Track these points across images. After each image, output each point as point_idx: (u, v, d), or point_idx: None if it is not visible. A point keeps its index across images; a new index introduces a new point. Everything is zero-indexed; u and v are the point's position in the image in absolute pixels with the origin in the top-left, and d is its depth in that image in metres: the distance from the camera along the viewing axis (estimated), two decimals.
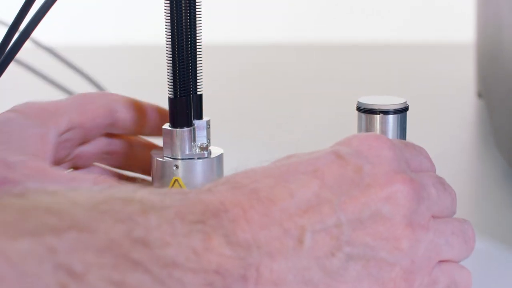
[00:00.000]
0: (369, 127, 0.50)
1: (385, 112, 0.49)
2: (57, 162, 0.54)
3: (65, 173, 0.52)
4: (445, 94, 0.98)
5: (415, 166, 0.44)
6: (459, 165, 0.72)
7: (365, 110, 0.50)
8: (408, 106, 0.50)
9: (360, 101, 0.50)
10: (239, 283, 0.37)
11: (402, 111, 0.50)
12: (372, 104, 0.50)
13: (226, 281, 0.36)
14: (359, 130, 0.50)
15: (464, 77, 1.01)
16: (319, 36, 1.40)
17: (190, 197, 0.38)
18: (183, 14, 0.51)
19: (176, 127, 0.52)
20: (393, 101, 0.50)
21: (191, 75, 0.52)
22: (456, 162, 0.72)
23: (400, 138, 0.50)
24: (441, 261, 0.43)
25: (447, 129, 0.83)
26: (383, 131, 0.49)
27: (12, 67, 0.52)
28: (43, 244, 0.31)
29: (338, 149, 0.42)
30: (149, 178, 0.55)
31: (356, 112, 0.51)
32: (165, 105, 0.53)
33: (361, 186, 0.40)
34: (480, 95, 0.90)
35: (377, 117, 0.50)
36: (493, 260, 0.53)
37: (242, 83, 1.06)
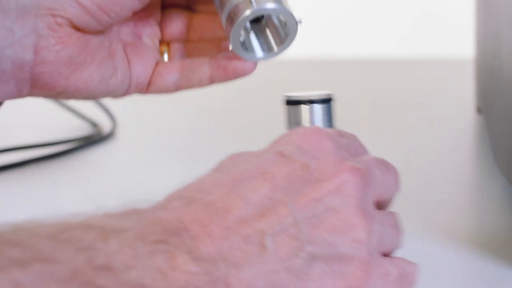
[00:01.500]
0: (297, 119, 0.51)
1: (312, 102, 0.51)
2: None
3: None
4: (444, 109, 0.98)
5: (353, 153, 0.45)
6: (458, 180, 0.72)
7: (293, 102, 0.52)
8: (333, 97, 0.52)
9: (287, 95, 0.52)
10: None
11: (327, 101, 0.52)
12: (299, 96, 0.52)
13: None
14: (288, 123, 0.52)
15: (464, 92, 1.00)
16: (317, 51, 1.40)
17: (148, 216, 0.38)
18: None
19: None
20: (318, 93, 0.52)
21: None
22: (455, 178, 0.72)
23: (328, 127, 0.52)
24: (385, 254, 0.44)
25: (446, 144, 0.83)
26: (311, 121, 0.51)
27: None
28: (8, 278, 0.31)
29: (281, 149, 0.42)
30: None
31: (284, 106, 0.53)
32: None
33: (311, 182, 0.41)
34: (479, 110, 0.89)
35: (306, 107, 0.51)
36: (493, 276, 0.52)
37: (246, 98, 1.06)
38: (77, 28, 0.54)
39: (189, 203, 0.39)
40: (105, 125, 0.88)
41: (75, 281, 0.32)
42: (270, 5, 0.53)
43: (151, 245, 0.36)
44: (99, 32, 0.56)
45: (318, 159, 0.42)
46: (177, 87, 0.60)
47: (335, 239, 0.40)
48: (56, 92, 0.55)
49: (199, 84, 0.59)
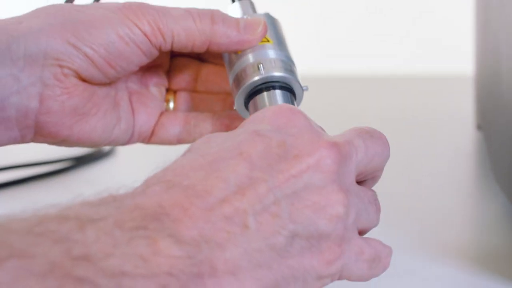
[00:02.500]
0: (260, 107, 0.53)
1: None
2: None
3: None
4: (444, 126, 0.98)
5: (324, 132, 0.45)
6: (458, 197, 0.72)
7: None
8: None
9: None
10: (194, 281, 0.36)
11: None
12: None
13: (181, 282, 0.36)
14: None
15: (463, 109, 1.01)
16: (317, 68, 1.40)
17: (126, 203, 0.37)
18: None
19: None
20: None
21: None
22: (455, 194, 0.72)
23: None
24: (362, 231, 0.44)
25: (446, 160, 0.83)
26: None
27: None
28: None
29: (256, 128, 0.42)
30: None
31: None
32: None
33: (289, 159, 0.41)
34: (479, 127, 0.90)
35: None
36: None
37: None
38: (84, 80, 0.54)
39: (168, 188, 0.39)
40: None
41: (53, 274, 0.32)
42: (278, 73, 0.54)
43: (130, 232, 0.35)
44: (106, 84, 0.56)
45: (294, 136, 0.42)
46: (179, 140, 0.60)
47: (314, 216, 0.41)
48: (59, 140, 0.56)
49: None
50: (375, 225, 0.46)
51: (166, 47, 0.54)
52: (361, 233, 0.45)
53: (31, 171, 0.78)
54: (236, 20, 0.55)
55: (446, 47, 1.48)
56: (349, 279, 0.44)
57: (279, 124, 0.43)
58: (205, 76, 0.61)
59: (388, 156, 0.47)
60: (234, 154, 0.41)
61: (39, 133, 0.55)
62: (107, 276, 0.33)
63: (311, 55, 1.45)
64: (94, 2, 0.60)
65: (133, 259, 0.34)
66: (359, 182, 0.47)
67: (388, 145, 0.47)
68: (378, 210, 0.46)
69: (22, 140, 0.55)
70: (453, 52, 1.40)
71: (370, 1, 1.52)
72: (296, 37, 1.41)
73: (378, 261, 0.45)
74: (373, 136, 0.46)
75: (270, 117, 0.44)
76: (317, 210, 0.41)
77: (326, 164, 0.41)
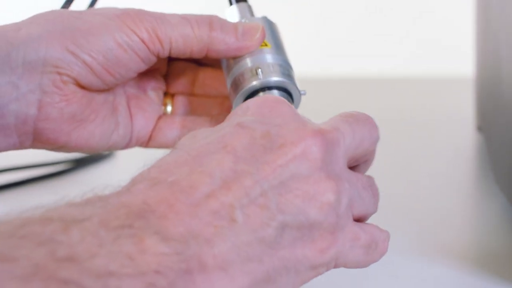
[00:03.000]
0: None
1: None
2: None
3: None
4: (444, 127, 0.98)
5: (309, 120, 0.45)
6: (458, 198, 0.72)
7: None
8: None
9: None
10: (183, 278, 0.36)
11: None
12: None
13: (169, 279, 0.35)
14: None
15: (464, 110, 1.01)
16: (317, 68, 1.41)
17: (111, 202, 0.37)
18: None
19: None
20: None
21: None
22: (455, 196, 0.72)
23: None
24: (356, 219, 0.44)
25: (446, 162, 0.83)
26: None
27: None
28: None
29: (240, 120, 0.42)
30: None
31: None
32: None
33: (274, 149, 0.41)
34: (479, 128, 0.89)
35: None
36: None
37: None
38: (82, 87, 0.54)
39: (153, 185, 0.38)
40: None
41: (36, 277, 0.31)
42: (276, 78, 0.54)
43: (116, 231, 0.35)
44: (104, 90, 0.56)
45: (279, 126, 0.42)
46: None
47: (304, 205, 0.40)
48: (58, 147, 0.56)
49: None
50: (373, 211, 0.46)
51: (164, 54, 0.54)
52: (359, 220, 0.45)
53: (30, 173, 0.78)
54: (234, 26, 0.55)
55: (446, 47, 1.48)
56: (345, 266, 0.43)
57: (263, 114, 0.43)
58: (203, 79, 0.61)
59: (377, 138, 0.47)
60: (218, 147, 0.41)
61: (37, 139, 0.55)
62: (93, 276, 0.33)
63: (311, 56, 1.45)
64: (89, 7, 0.59)
65: (119, 258, 0.34)
66: (352, 168, 0.47)
67: (376, 127, 0.47)
68: (375, 195, 0.46)
69: (21, 146, 0.55)
70: (453, 53, 1.40)
71: (370, 1, 1.52)
72: (296, 37, 1.41)
73: (375, 247, 0.44)
74: (359, 119, 0.45)
75: (253, 108, 0.44)
76: (306, 199, 0.41)
77: (312, 152, 0.41)
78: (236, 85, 0.55)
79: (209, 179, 0.39)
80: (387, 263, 0.55)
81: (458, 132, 0.95)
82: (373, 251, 0.44)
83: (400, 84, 1.30)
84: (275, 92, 0.54)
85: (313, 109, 1.06)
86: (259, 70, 0.54)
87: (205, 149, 0.41)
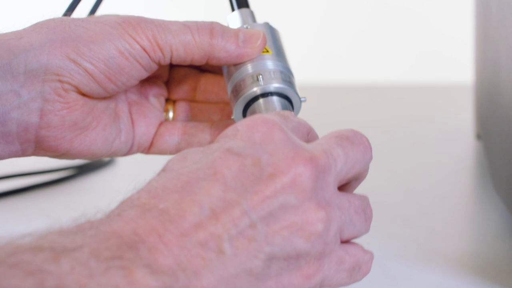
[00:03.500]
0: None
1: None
2: None
3: None
4: (444, 135, 0.98)
5: (304, 134, 0.45)
6: (457, 206, 0.72)
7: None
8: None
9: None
10: None
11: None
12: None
13: None
14: None
15: (463, 118, 1.01)
16: (320, 77, 1.41)
17: (103, 230, 0.37)
18: None
19: None
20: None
21: None
22: (454, 204, 0.72)
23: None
24: (343, 242, 0.44)
25: (446, 169, 0.83)
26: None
27: None
28: None
29: (231, 145, 0.42)
30: None
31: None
32: None
33: (264, 179, 0.40)
34: (479, 136, 0.90)
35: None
36: None
37: None
38: (84, 94, 0.54)
39: (143, 212, 0.38)
40: None
41: None
42: (276, 84, 0.54)
43: (106, 262, 0.35)
44: (106, 97, 0.57)
45: (269, 153, 0.41)
46: (178, 150, 0.60)
47: (292, 236, 0.40)
48: (60, 154, 0.56)
49: None
50: (364, 233, 0.46)
51: (165, 61, 0.55)
52: (347, 240, 0.45)
53: (32, 180, 0.78)
54: (235, 33, 0.55)
55: (446, 57, 1.49)
56: (329, 287, 0.44)
57: (254, 139, 0.42)
58: (204, 86, 0.61)
59: (370, 159, 0.46)
60: (208, 174, 0.40)
61: (39, 147, 0.55)
62: None
63: (314, 65, 1.45)
64: (90, 14, 0.60)
65: None
66: (343, 186, 0.46)
67: (370, 148, 0.46)
68: (368, 219, 0.46)
69: (23, 153, 0.55)
70: (452, 62, 1.40)
71: (373, 13, 1.52)
72: (300, 47, 1.41)
73: (358, 269, 0.45)
74: (353, 142, 0.45)
75: (244, 132, 0.43)
76: (294, 230, 0.40)
77: (302, 182, 0.41)
78: (237, 91, 0.55)
79: (197, 208, 0.39)
80: (386, 270, 0.56)
81: (457, 140, 0.95)
82: (356, 273, 0.45)
83: (400, 92, 1.30)
84: (275, 98, 0.54)
85: (315, 116, 1.07)
86: (260, 76, 0.54)
87: (195, 175, 0.40)
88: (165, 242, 0.37)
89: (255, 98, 0.54)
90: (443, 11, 1.50)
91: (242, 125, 0.43)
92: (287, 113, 0.47)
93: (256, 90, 0.54)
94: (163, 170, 0.43)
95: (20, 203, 0.74)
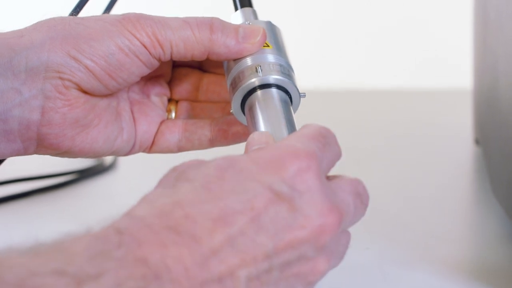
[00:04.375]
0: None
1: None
2: None
3: None
4: (442, 140, 0.98)
5: (333, 164, 0.46)
6: (456, 212, 0.72)
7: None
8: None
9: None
10: None
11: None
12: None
13: None
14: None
15: (462, 123, 1.01)
16: (321, 82, 1.41)
17: (131, 252, 0.37)
18: None
19: None
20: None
21: None
22: (453, 209, 0.72)
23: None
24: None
25: (444, 175, 0.83)
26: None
27: None
28: None
29: (272, 183, 0.41)
30: None
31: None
32: None
33: (294, 227, 0.41)
34: (477, 142, 0.90)
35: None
36: None
37: None
38: (85, 92, 0.55)
39: (176, 234, 0.38)
40: (107, 157, 0.88)
41: None
42: (275, 76, 0.54)
43: None
44: (107, 95, 0.57)
45: (305, 203, 0.41)
46: (180, 148, 0.60)
47: (295, 281, 0.41)
48: (61, 152, 0.56)
49: (200, 146, 0.59)
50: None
51: (166, 57, 0.55)
52: None
53: (34, 184, 0.78)
54: (235, 28, 0.55)
55: (445, 62, 1.49)
56: None
57: (294, 182, 0.42)
58: (206, 85, 0.61)
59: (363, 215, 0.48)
60: (245, 208, 0.40)
61: (41, 144, 0.55)
62: None
63: (315, 69, 1.45)
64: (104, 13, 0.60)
65: None
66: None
67: (366, 209, 0.47)
68: (347, 247, 0.46)
69: (25, 152, 0.55)
70: (451, 68, 1.40)
71: (372, 19, 1.52)
72: (301, 52, 1.42)
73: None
74: (362, 202, 0.46)
75: (290, 174, 0.42)
76: (299, 278, 0.41)
77: (325, 238, 0.42)
78: (235, 82, 0.55)
79: (228, 245, 0.39)
80: (386, 274, 0.56)
81: (456, 145, 0.95)
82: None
83: (398, 98, 1.30)
84: (274, 90, 0.54)
85: (315, 120, 1.07)
86: (259, 67, 0.54)
87: (231, 206, 0.40)
88: (189, 276, 0.37)
89: (253, 90, 0.54)
90: (442, 16, 1.51)
91: (290, 166, 0.42)
92: (328, 134, 0.46)
93: (254, 81, 0.54)
94: (197, 181, 0.41)
95: (21, 208, 0.74)
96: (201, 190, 0.41)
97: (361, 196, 0.46)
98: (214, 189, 0.41)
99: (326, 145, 0.45)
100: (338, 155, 0.46)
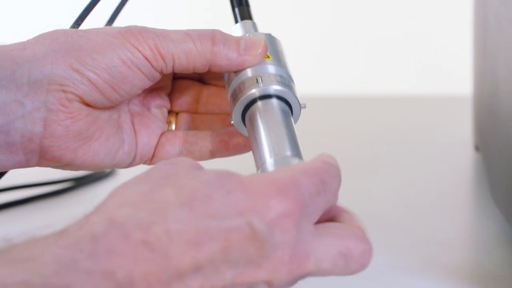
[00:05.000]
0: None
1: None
2: None
3: None
4: (442, 147, 0.98)
5: (323, 210, 0.44)
6: (456, 218, 0.72)
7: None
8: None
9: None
10: None
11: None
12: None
13: None
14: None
15: (462, 130, 1.01)
16: (319, 88, 1.41)
17: (97, 270, 0.36)
18: None
19: None
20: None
21: None
22: (453, 216, 0.72)
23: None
24: None
25: (444, 181, 0.83)
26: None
27: None
28: None
29: (252, 220, 0.40)
30: None
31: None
32: None
33: (257, 268, 0.40)
34: (477, 148, 0.90)
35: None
36: None
37: None
38: (87, 104, 0.55)
39: (148, 254, 0.38)
40: None
41: None
42: (276, 87, 0.54)
43: None
44: (109, 108, 0.57)
45: (275, 247, 0.41)
46: None
47: None
48: (63, 164, 0.56)
49: (201, 157, 0.59)
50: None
51: (168, 70, 0.55)
52: None
53: (32, 191, 0.78)
54: (237, 40, 0.55)
55: (445, 69, 1.49)
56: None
57: (275, 224, 0.41)
58: (206, 97, 0.61)
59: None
60: (220, 236, 0.40)
61: (43, 157, 0.55)
62: None
63: (316, 76, 1.45)
64: (106, 25, 0.60)
65: None
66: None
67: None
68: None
69: (27, 164, 0.55)
70: (451, 74, 1.40)
71: (374, 29, 1.53)
72: (302, 59, 1.42)
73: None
74: (349, 264, 0.44)
75: (271, 215, 0.41)
76: None
77: (276, 285, 0.41)
78: (236, 93, 0.55)
79: (194, 266, 0.39)
80: (387, 281, 0.56)
81: (456, 151, 0.95)
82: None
83: (399, 105, 1.30)
84: (275, 101, 0.54)
85: (315, 126, 1.07)
86: (260, 78, 0.54)
87: (208, 232, 0.39)
88: None
89: (254, 101, 0.54)
90: (443, 23, 1.51)
91: (275, 190, 0.42)
92: (329, 181, 0.45)
93: (255, 92, 0.54)
94: (192, 197, 0.41)
95: (20, 214, 0.74)
96: (186, 205, 0.40)
97: (349, 259, 0.44)
98: (198, 208, 0.40)
99: (321, 192, 0.44)
100: (330, 203, 0.45)
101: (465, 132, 0.98)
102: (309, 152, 0.92)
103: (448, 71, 1.49)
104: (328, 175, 0.45)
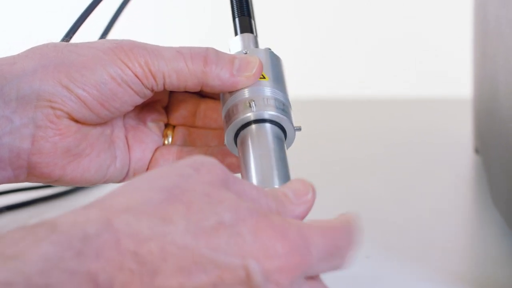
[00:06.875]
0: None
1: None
2: None
3: None
4: (442, 149, 0.98)
5: (318, 272, 0.43)
6: (456, 221, 0.72)
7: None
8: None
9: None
10: None
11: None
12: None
13: None
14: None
15: (461, 132, 1.01)
16: (318, 90, 1.41)
17: (82, 270, 0.36)
18: None
19: None
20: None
21: None
22: (453, 219, 0.72)
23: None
24: None
25: (444, 184, 0.83)
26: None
27: None
28: None
29: (250, 265, 0.39)
30: None
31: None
32: None
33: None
34: (477, 151, 0.90)
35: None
36: None
37: None
38: (77, 121, 0.54)
39: (136, 266, 0.37)
40: None
41: None
42: (269, 112, 0.53)
43: None
44: (100, 124, 0.56)
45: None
46: None
47: None
48: (52, 180, 0.56)
49: None
50: None
51: (159, 88, 0.54)
52: None
53: (31, 194, 0.78)
54: (231, 59, 0.54)
55: (445, 71, 1.49)
56: None
57: (272, 269, 0.40)
58: (204, 111, 0.60)
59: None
60: (213, 273, 0.38)
61: (32, 173, 0.55)
62: None
63: (315, 79, 1.45)
64: (100, 37, 0.60)
65: None
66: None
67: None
68: None
69: (16, 179, 0.55)
70: (451, 76, 1.40)
71: (373, 31, 1.53)
72: (301, 61, 1.42)
73: None
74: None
75: (276, 254, 0.40)
76: None
77: None
78: (229, 116, 0.54)
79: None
80: (385, 285, 0.56)
81: (456, 154, 0.95)
82: None
83: (398, 107, 1.30)
84: (268, 125, 0.53)
85: (313, 129, 1.07)
86: (253, 102, 0.53)
87: (202, 264, 0.39)
88: None
89: (246, 125, 0.53)
90: (442, 25, 1.51)
91: (285, 237, 0.40)
92: (344, 246, 0.43)
93: (248, 116, 0.53)
94: (200, 224, 0.39)
95: (19, 218, 0.74)
96: (191, 233, 0.39)
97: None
98: (202, 239, 0.39)
99: (331, 258, 0.42)
100: (337, 268, 0.43)
101: (464, 134, 0.98)
102: (309, 153, 0.92)
103: (447, 72, 1.49)
104: (345, 240, 0.43)
